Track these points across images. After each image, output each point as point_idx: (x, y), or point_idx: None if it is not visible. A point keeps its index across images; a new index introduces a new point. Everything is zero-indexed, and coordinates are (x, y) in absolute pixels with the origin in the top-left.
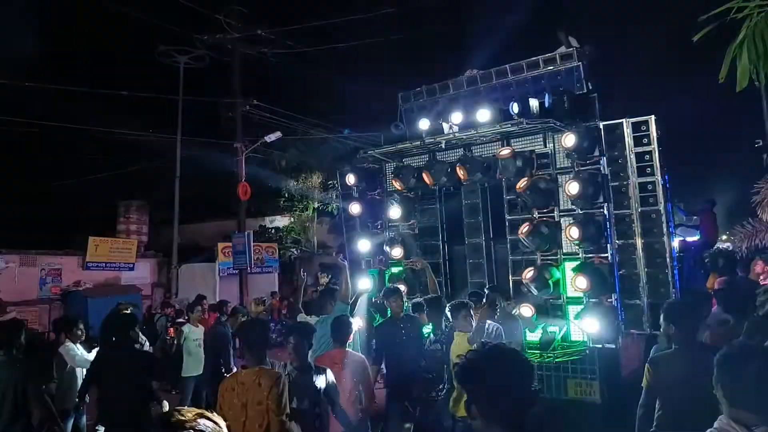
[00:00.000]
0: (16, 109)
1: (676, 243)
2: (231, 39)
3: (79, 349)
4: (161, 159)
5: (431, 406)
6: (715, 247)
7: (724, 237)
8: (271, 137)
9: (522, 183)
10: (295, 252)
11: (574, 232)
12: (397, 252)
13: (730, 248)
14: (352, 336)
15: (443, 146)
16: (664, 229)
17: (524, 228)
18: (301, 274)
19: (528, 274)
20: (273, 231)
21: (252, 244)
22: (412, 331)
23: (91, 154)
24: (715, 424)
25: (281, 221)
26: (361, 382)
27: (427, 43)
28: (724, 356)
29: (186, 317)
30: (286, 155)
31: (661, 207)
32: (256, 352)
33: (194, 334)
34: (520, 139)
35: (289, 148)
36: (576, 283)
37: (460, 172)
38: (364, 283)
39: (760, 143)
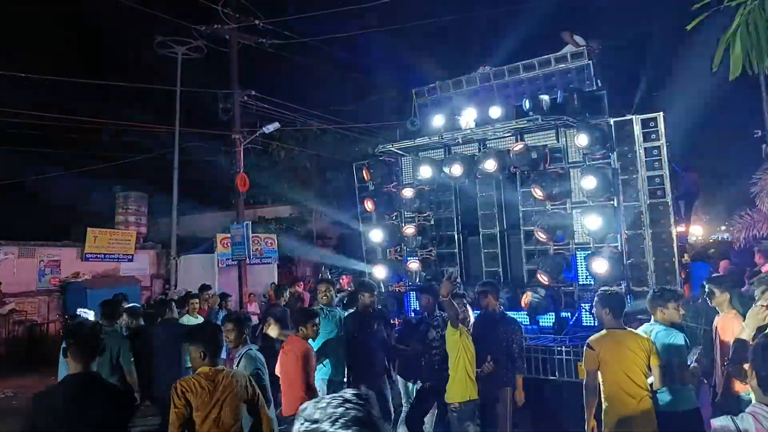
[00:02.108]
0: (12, 100)
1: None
2: (228, 29)
3: None
4: (159, 150)
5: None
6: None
7: (723, 227)
8: (270, 128)
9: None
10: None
11: (590, 221)
12: (418, 241)
13: (729, 239)
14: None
15: (460, 141)
16: (671, 220)
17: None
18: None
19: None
20: (272, 222)
21: (251, 235)
22: (379, 323)
23: (90, 146)
24: (748, 409)
25: (280, 211)
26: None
27: (428, 34)
28: (756, 346)
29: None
30: (284, 146)
31: (669, 199)
32: (213, 353)
33: (193, 324)
34: (533, 134)
35: (288, 138)
36: (594, 268)
37: (476, 166)
38: (380, 272)
39: (759, 133)
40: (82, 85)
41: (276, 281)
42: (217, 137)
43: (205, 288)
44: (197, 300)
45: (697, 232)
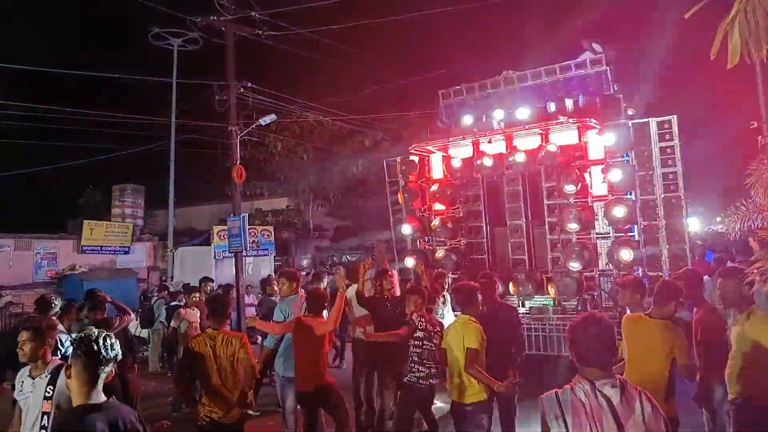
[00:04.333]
0: (8, 92)
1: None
2: (224, 21)
3: None
4: (156, 142)
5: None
6: None
7: (719, 219)
8: (266, 120)
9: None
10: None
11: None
12: (447, 232)
13: (724, 230)
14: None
15: (492, 140)
16: (683, 213)
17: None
18: None
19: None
20: (269, 214)
21: (247, 227)
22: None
23: (86, 138)
24: (572, 382)
25: (277, 203)
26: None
27: (426, 25)
28: (572, 325)
29: (182, 300)
30: (281, 137)
31: (681, 193)
32: (219, 318)
33: (191, 317)
34: (557, 134)
35: (284, 130)
36: (621, 256)
37: (505, 163)
38: (410, 262)
39: (755, 124)
40: (78, 77)
41: (272, 273)
42: (214, 129)
43: (207, 279)
44: (197, 293)
45: (692, 224)
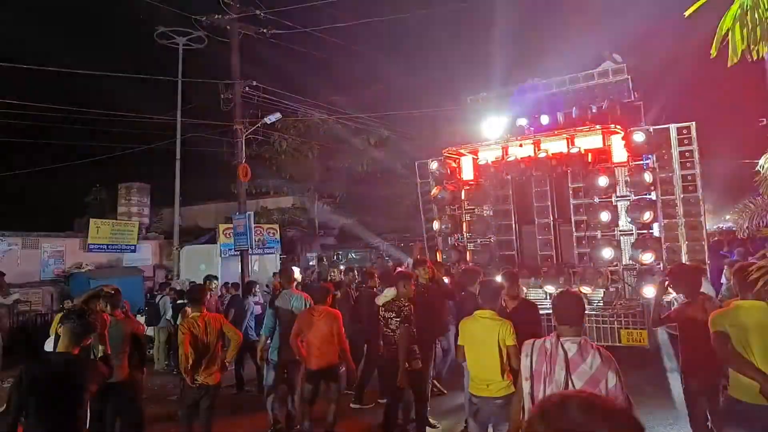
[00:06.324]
0: (15, 92)
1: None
2: (229, 19)
3: None
4: (162, 141)
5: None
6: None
7: (728, 216)
8: (271, 118)
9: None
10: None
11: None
12: (478, 230)
13: (733, 227)
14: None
15: (521, 144)
16: (701, 211)
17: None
18: None
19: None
20: (274, 212)
21: (253, 225)
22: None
23: (92, 137)
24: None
25: (283, 202)
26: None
27: (429, 23)
28: (554, 296)
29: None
30: (286, 136)
31: (699, 193)
32: (197, 304)
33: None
34: (583, 138)
35: (290, 129)
36: (642, 259)
37: (535, 165)
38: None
39: (765, 121)
40: (84, 75)
41: (278, 271)
42: (220, 127)
43: (211, 278)
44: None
45: None
